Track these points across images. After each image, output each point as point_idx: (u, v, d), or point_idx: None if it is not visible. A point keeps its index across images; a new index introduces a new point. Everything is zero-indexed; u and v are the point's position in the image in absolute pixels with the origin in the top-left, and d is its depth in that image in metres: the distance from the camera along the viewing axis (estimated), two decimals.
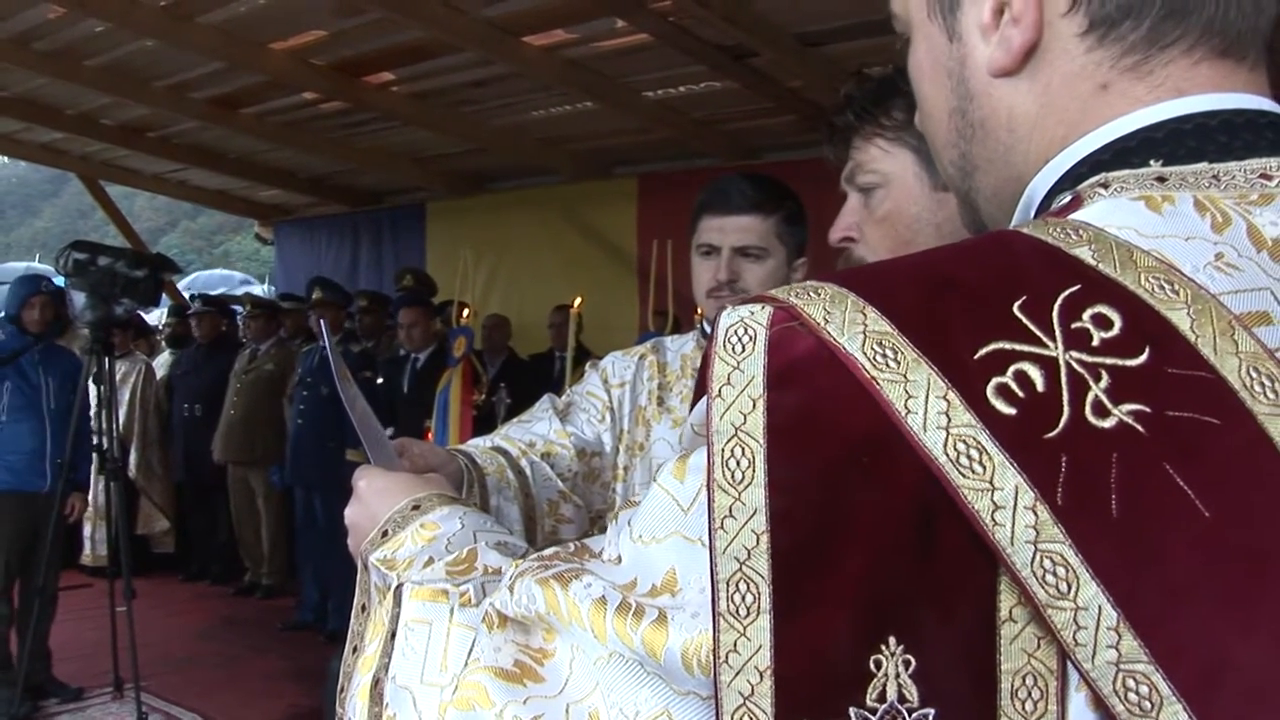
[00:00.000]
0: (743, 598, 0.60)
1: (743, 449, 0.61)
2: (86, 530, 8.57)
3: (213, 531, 9.17)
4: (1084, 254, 0.64)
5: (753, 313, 0.64)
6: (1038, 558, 0.56)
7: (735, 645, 0.60)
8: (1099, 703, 0.57)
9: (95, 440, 5.78)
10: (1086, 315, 0.61)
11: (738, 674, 0.60)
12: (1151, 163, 0.71)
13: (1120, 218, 0.68)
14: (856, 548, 0.58)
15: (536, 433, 2.01)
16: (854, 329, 0.61)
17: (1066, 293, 0.62)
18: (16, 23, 6.42)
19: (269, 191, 10.83)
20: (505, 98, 7.34)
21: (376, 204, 10.67)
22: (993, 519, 0.57)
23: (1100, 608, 0.56)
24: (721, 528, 0.61)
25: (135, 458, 9.02)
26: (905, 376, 0.59)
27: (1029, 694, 0.57)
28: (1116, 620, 0.56)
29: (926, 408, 0.59)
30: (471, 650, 0.80)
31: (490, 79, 6.95)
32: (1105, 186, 0.71)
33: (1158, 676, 0.56)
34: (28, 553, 5.75)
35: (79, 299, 5.59)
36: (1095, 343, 0.60)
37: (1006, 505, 0.57)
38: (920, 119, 0.89)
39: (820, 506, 0.59)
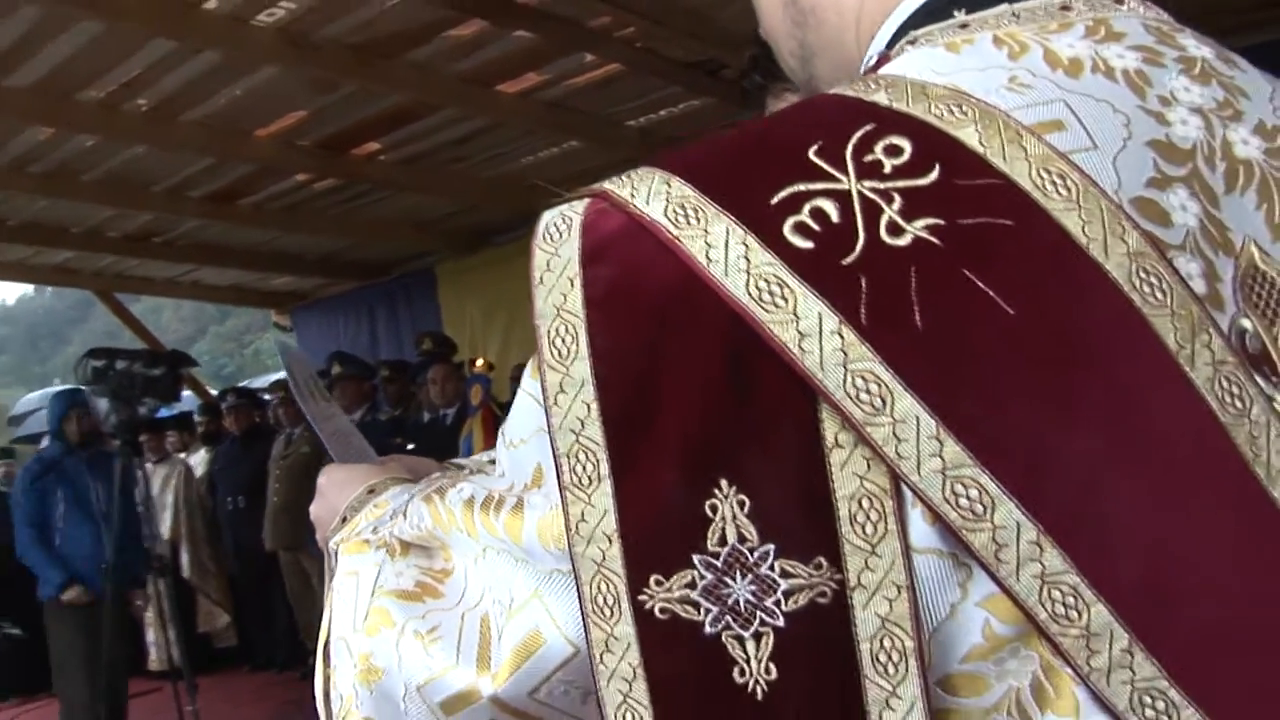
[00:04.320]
0: (583, 468, 0.63)
1: (566, 327, 0.64)
2: (150, 636, 8.66)
3: (271, 619, 9.22)
4: (880, 98, 0.67)
5: (571, 205, 0.68)
6: (849, 378, 0.58)
7: (583, 515, 0.62)
8: (937, 515, 0.58)
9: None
10: (878, 147, 0.63)
11: (589, 542, 0.62)
12: (955, 14, 0.74)
13: (920, 63, 0.71)
14: (677, 400, 0.60)
15: None
16: (658, 198, 0.64)
17: (861, 132, 0.64)
18: (10, 149, 6.56)
19: (280, 279, 10.93)
20: (492, 149, 7.41)
21: (387, 275, 10.74)
22: (800, 348, 0.58)
23: (918, 418, 0.57)
24: (555, 404, 0.64)
25: (187, 558, 9.13)
26: (706, 230, 0.62)
27: (867, 517, 0.58)
28: (936, 428, 0.57)
29: (727, 255, 0.61)
30: (377, 580, 0.83)
31: (474, 133, 7.02)
32: (912, 43, 0.75)
33: (985, 477, 0.57)
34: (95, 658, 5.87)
35: (102, 405, 5.70)
36: (887, 170, 0.62)
37: (812, 333, 0.58)
38: (759, 19, 0.92)
39: (640, 367, 0.61)
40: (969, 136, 0.63)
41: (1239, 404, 0.60)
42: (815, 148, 0.64)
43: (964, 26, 0.73)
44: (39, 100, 5.79)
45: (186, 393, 9.24)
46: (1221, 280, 0.64)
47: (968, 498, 0.57)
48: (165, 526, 8.83)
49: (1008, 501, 0.57)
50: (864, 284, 0.59)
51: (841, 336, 0.58)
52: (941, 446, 0.57)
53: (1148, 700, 0.57)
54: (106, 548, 5.81)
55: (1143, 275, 0.60)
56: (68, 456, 6.28)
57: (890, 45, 0.78)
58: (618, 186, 0.66)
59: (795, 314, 0.59)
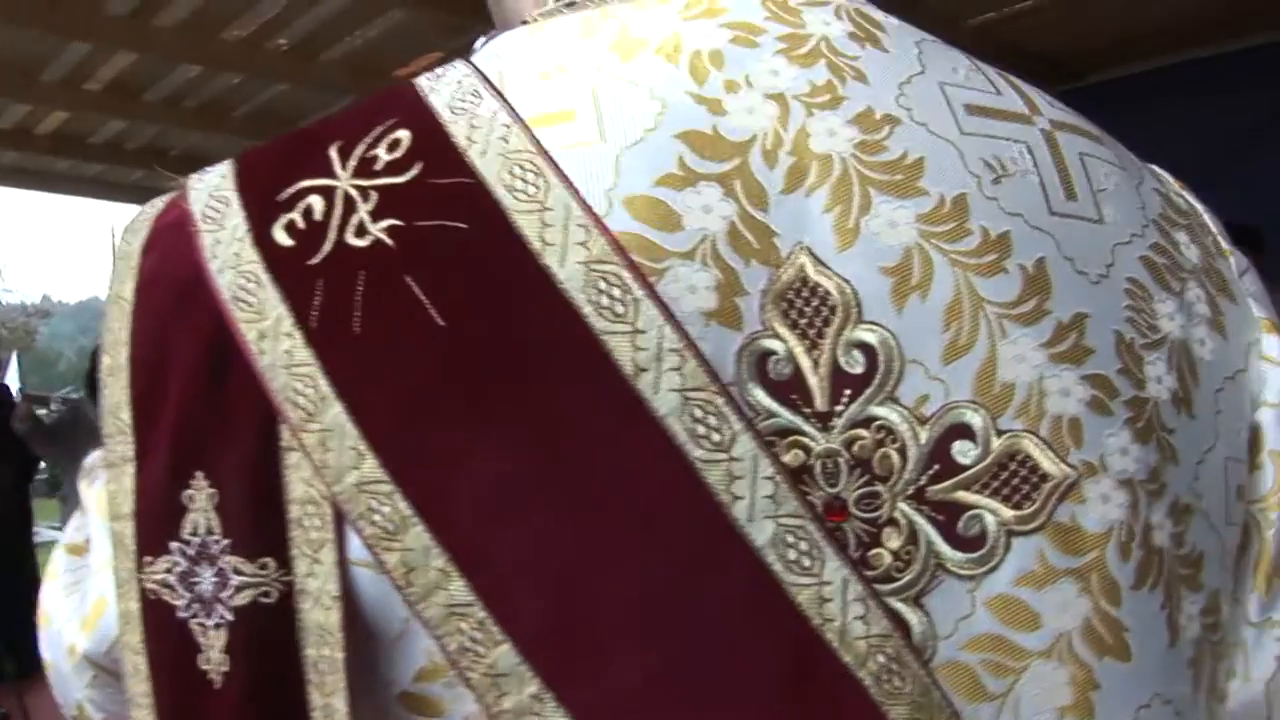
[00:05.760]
0: (119, 449, 0.62)
1: (120, 312, 0.62)
2: None
3: None
4: (426, 86, 0.63)
5: (165, 195, 0.66)
6: (291, 382, 0.55)
7: (115, 495, 0.62)
8: None
9: None
10: (384, 142, 0.59)
11: (119, 520, 0.62)
12: None
13: (500, 47, 0.66)
14: (172, 388, 0.59)
15: None
16: (203, 191, 0.62)
17: (384, 125, 0.60)
18: (165, 85, 6.83)
19: None
20: None
21: None
22: (259, 347, 0.56)
23: (343, 428, 0.54)
24: (106, 387, 0.62)
25: None
26: (220, 225, 0.60)
27: (312, 523, 0.56)
28: (357, 439, 0.54)
29: (227, 249, 0.59)
30: (65, 532, 0.84)
31: None
32: (524, 23, 0.70)
33: (398, 496, 0.53)
34: None
35: None
36: (378, 167, 0.58)
37: (270, 334, 0.56)
38: None
39: (157, 354, 0.60)
40: (459, 130, 0.59)
41: (716, 436, 0.54)
42: (340, 142, 0.60)
43: (571, 5, 0.68)
44: (185, 38, 5.98)
45: None
46: (746, 294, 0.56)
47: (381, 514, 0.54)
48: None
49: (418, 524, 0.53)
50: (320, 287, 0.56)
51: (292, 339, 0.56)
52: (362, 459, 0.54)
53: None
54: None
55: (601, 286, 0.54)
56: None
57: None
58: (190, 179, 0.65)
59: (260, 313, 0.57)
